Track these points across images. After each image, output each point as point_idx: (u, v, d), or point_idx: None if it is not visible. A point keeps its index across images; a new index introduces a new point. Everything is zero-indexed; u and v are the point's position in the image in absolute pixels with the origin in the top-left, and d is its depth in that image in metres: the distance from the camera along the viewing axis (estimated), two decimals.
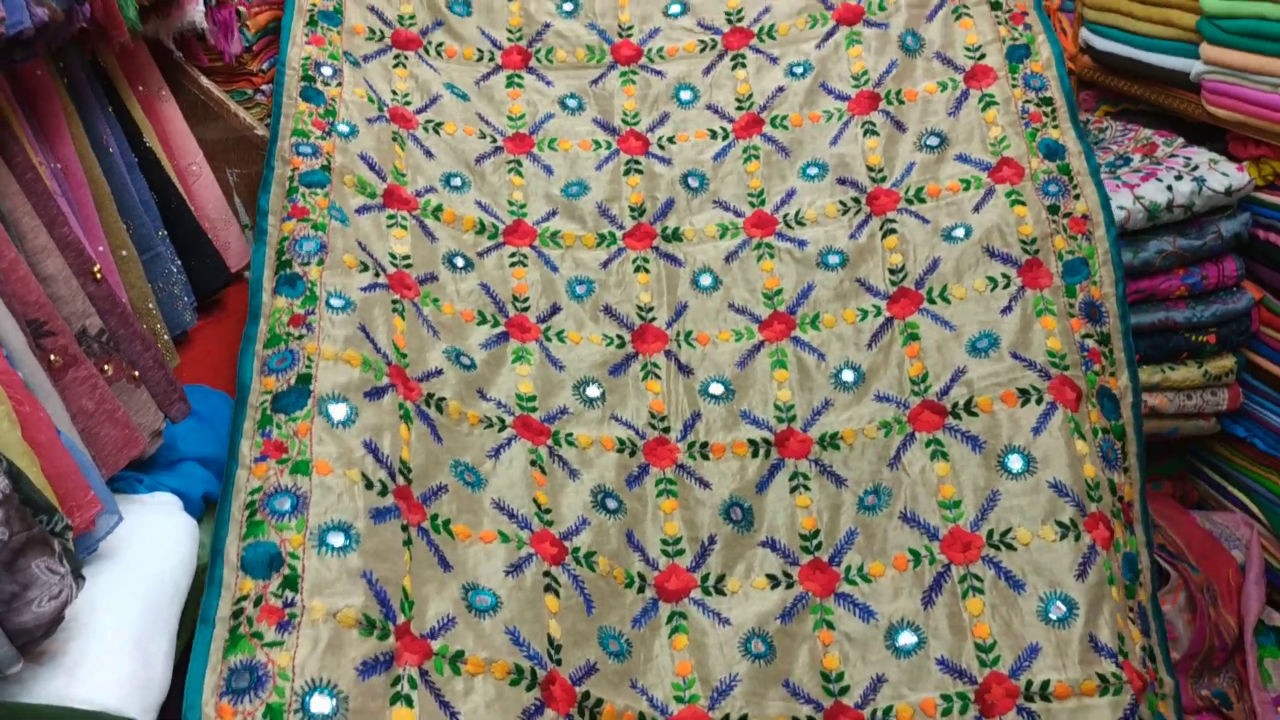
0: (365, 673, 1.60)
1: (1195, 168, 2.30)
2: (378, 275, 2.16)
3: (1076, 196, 2.25)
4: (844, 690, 1.91)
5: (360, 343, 2.00)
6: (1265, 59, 2.15)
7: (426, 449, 1.97)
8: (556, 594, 1.91)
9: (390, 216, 2.30)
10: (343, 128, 2.36)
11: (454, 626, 1.76)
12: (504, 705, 1.71)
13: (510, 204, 2.46)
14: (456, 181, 2.45)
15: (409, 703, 1.62)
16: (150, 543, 1.58)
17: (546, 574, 1.92)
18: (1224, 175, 2.26)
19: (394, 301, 2.14)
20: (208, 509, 1.84)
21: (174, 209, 2.19)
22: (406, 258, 2.24)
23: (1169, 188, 2.26)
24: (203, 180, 2.32)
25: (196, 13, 2.21)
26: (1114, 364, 2.13)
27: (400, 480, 1.88)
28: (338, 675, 1.57)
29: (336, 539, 1.71)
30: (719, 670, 1.93)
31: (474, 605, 1.82)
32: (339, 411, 1.88)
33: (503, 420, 2.11)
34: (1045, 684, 1.82)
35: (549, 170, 2.51)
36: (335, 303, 2.05)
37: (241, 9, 2.45)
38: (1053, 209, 2.24)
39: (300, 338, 1.98)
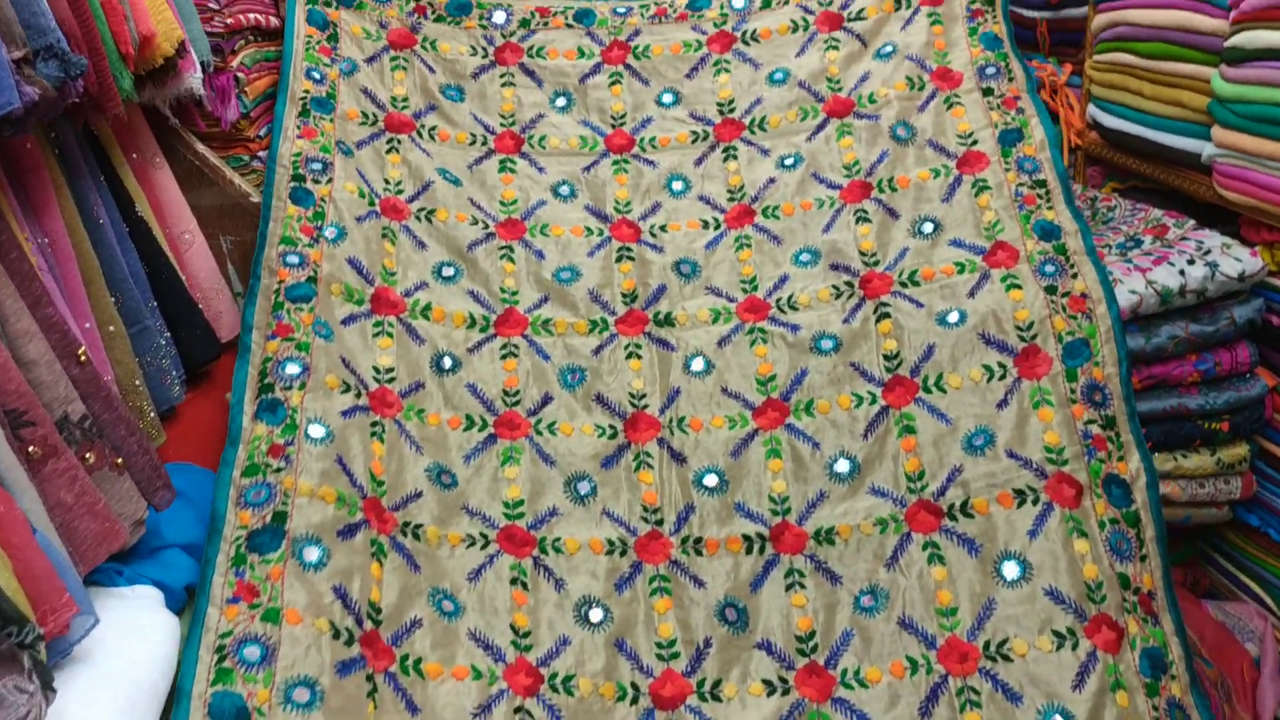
0: None
1: (1208, 251, 2.26)
2: (359, 396, 2.15)
3: (1074, 275, 2.23)
4: None
5: (336, 476, 2.00)
6: (1277, 144, 2.12)
7: (402, 582, 1.96)
8: None
9: (377, 324, 2.29)
10: (330, 231, 2.34)
11: None
12: None
13: (502, 290, 2.43)
14: (449, 271, 2.43)
15: None
16: (128, 644, 1.52)
17: (519, 709, 1.90)
18: (1237, 260, 2.22)
19: (374, 424, 2.13)
20: (190, 599, 1.78)
21: (165, 279, 2.14)
22: (390, 370, 2.24)
23: (1181, 272, 2.22)
24: (195, 249, 2.28)
25: (194, 80, 2.17)
26: (1121, 447, 2.07)
27: (368, 625, 1.87)
28: None
29: (302, 695, 1.72)
30: None
31: None
32: (311, 554, 1.88)
33: (486, 536, 2.09)
34: None
35: (540, 255, 2.49)
36: (315, 433, 2.03)
37: (240, 75, 2.42)
38: (1050, 289, 2.22)
39: (278, 470, 1.97)
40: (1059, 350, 2.15)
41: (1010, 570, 1.98)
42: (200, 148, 2.35)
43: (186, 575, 1.75)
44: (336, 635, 1.81)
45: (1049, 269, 2.24)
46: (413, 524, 2.05)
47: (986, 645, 1.94)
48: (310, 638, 1.78)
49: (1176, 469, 2.27)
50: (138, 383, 1.93)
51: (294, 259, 2.26)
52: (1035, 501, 2.03)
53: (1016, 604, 1.95)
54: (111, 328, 1.90)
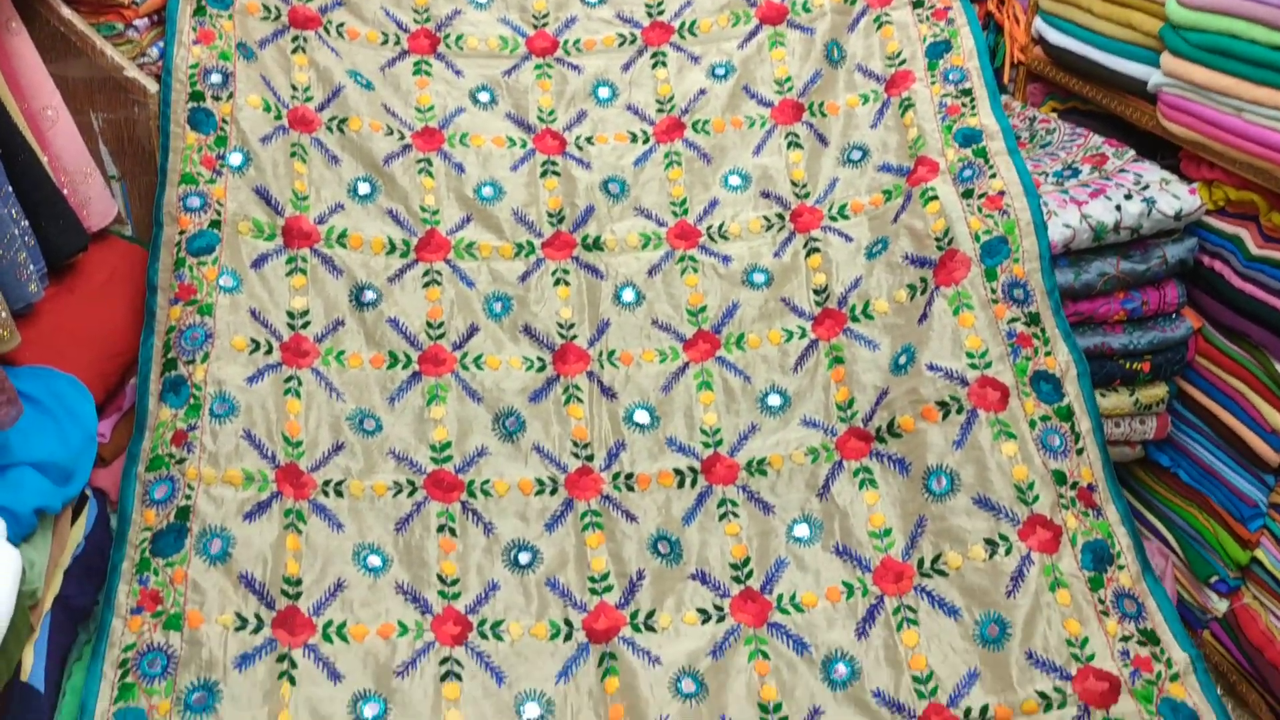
0: None
1: (1145, 187, 2.18)
2: (269, 352, 2.06)
3: (993, 175, 2.20)
4: None
5: (244, 454, 1.97)
6: (1230, 79, 2.02)
7: (324, 546, 1.94)
8: (458, 678, 1.84)
9: (290, 261, 2.16)
10: (235, 158, 2.17)
11: None
12: None
13: (422, 210, 2.29)
14: (365, 189, 2.28)
15: None
16: None
17: (445, 660, 1.85)
18: (1175, 198, 2.15)
19: (288, 379, 2.05)
20: (41, 525, 1.63)
21: (22, 161, 1.90)
22: (305, 314, 2.14)
23: (1118, 207, 2.14)
24: (59, 127, 2.04)
25: None
26: (1048, 342, 2.07)
27: (284, 602, 1.86)
28: None
29: (200, 699, 1.73)
30: (650, 712, 1.84)
31: (361, 717, 1.79)
32: (216, 547, 1.87)
33: (413, 483, 2.02)
34: (984, 709, 1.81)
35: (461, 169, 2.34)
36: (219, 409, 1.97)
37: None
38: (967, 193, 2.19)
39: (181, 461, 1.93)
40: (976, 251, 2.12)
41: (938, 484, 1.98)
42: (65, 12, 2.09)
43: (37, 498, 1.59)
44: (243, 626, 1.82)
45: (967, 174, 2.21)
46: (334, 481, 2.00)
47: (920, 563, 1.95)
48: (213, 635, 1.80)
49: None
50: None
51: (195, 201, 2.13)
52: (959, 411, 2.02)
53: (948, 517, 1.96)
54: None
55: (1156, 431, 2.30)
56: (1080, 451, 2.02)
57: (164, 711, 1.71)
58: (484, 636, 1.91)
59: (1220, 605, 2.27)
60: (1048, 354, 2.07)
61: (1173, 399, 2.31)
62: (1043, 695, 1.82)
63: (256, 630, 1.83)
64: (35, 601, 1.60)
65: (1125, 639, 1.86)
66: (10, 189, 1.85)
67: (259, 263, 2.15)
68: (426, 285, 2.23)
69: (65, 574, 1.73)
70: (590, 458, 2.11)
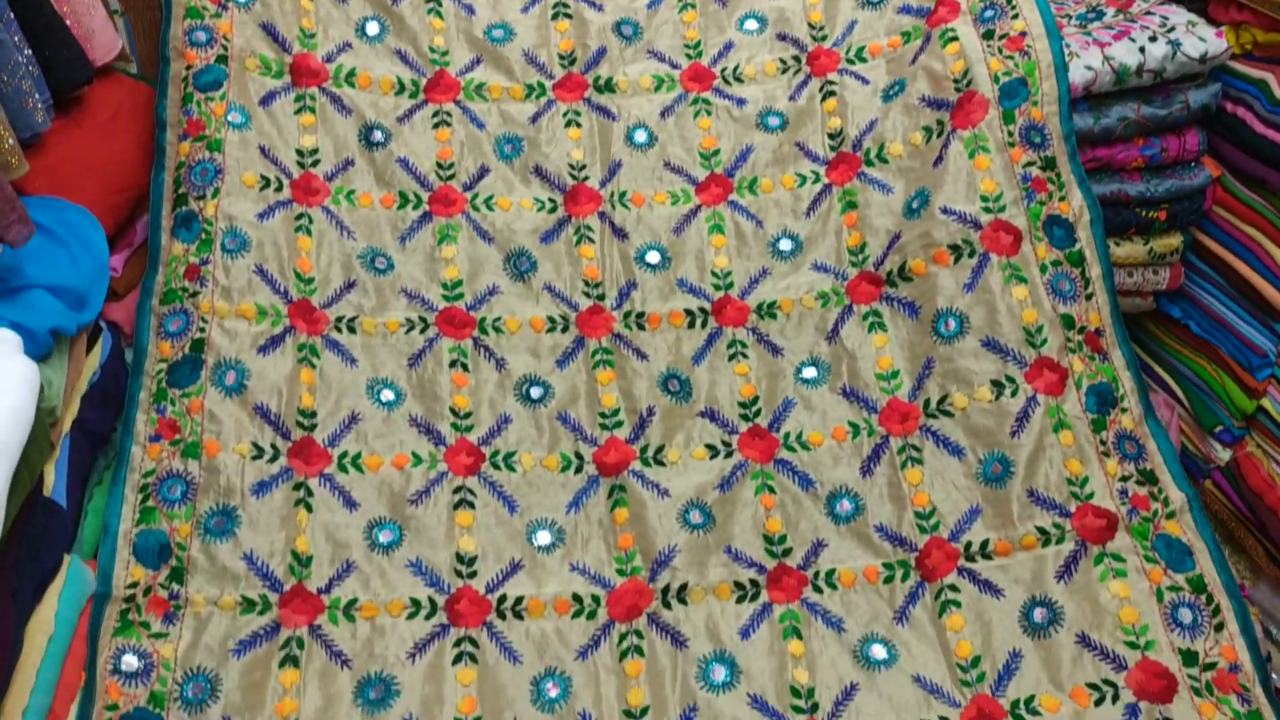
0: (243, 650, 1.69)
1: (1171, 29, 2.12)
2: (280, 189, 2.05)
3: (1014, 16, 2.14)
4: (787, 552, 1.90)
5: (257, 289, 1.98)
6: None
7: (338, 380, 1.96)
8: (471, 506, 1.88)
9: (298, 99, 2.13)
10: None
11: (351, 573, 1.80)
12: (399, 638, 1.75)
13: (432, 50, 2.25)
14: (373, 28, 2.24)
15: (295, 663, 1.70)
16: None
17: (459, 489, 1.89)
18: (1201, 40, 2.09)
19: (299, 216, 2.04)
20: (58, 347, 1.64)
21: None
22: (315, 151, 2.12)
23: (1141, 49, 2.09)
24: None
25: None
26: (1062, 187, 2.06)
27: (299, 433, 1.89)
28: (213, 660, 1.67)
29: (220, 523, 1.77)
30: (659, 542, 1.88)
31: (377, 541, 1.84)
32: (231, 379, 1.89)
33: (425, 320, 2.03)
34: (985, 543, 1.85)
35: (470, 10, 2.29)
36: (230, 244, 1.99)
37: None
38: (988, 35, 2.14)
39: (194, 295, 1.94)
40: (995, 93, 2.09)
41: (947, 327, 1.99)
42: None
43: (52, 318, 1.60)
44: (259, 455, 1.85)
45: (988, 14, 2.16)
46: (347, 318, 2.00)
47: (927, 404, 1.97)
48: (231, 464, 1.82)
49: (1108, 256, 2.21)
50: None
51: (201, 35, 2.08)
52: (971, 254, 2.01)
53: (955, 359, 1.97)
54: None
55: (1170, 282, 2.29)
56: (1089, 297, 2.01)
57: (184, 534, 1.76)
58: (496, 467, 1.94)
59: (1224, 455, 2.29)
60: (1062, 199, 2.05)
61: (1187, 249, 2.29)
62: (1042, 531, 1.85)
63: (273, 460, 1.86)
64: (55, 420, 1.62)
65: (1124, 479, 1.88)
66: (13, 15, 1.81)
67: (267, 100, 2.12)
68: (436, 126, 2.21)
69: (82, 400, 1.75)
70: (601, 297, 2.12)
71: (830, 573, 1.88)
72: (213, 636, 1.68)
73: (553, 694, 1.75)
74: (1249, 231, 2.17)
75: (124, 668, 1.61)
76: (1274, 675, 2.17)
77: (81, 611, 1.60)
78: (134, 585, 1.69)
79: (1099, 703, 1.73)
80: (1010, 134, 2.07)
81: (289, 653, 1.69)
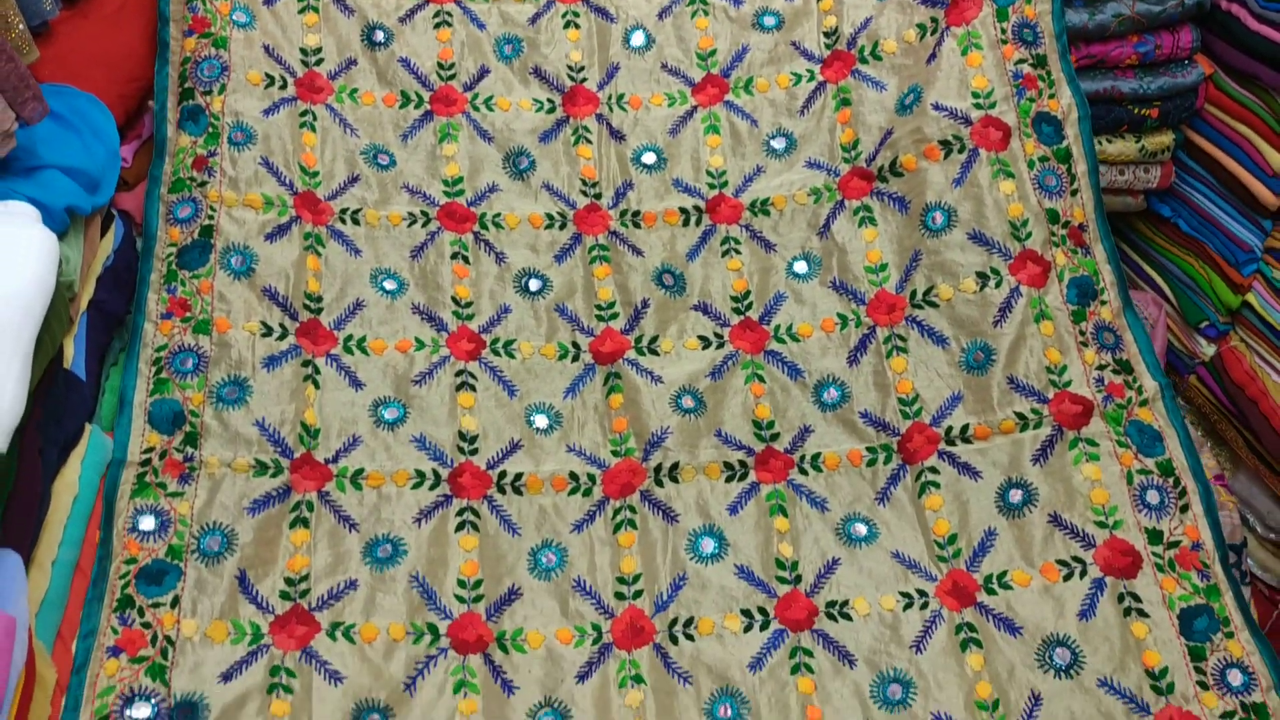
0: (257, 509, 1.77)
1: None
2: (284, 87, 2.10)
3: None
4: (774, 437, 1.97)
5: (263, 180, 2.04)
6: None
7: (343, 268, 2.02)
8: (472, 389, 1.95)
9: None
10: None
11: (358, 446, 1.87)
12: (404, 506, 1.84)
13: None
14: None
15: (305, 524, 1.78)
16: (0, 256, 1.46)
17: (460, 372, 1.96)
18: None
19: (303, 113, 2.10)
20: (74, 226, 1.71)
21: None
22: (318, 50, 2.17)
23: None
24: None
25: None
26: (1052, 85, 2.10)
27: (306, 315, 1.96)
28: (228, 517, 1.75)
29: (231, 393, 1.85)
30: (652, 425, 1.96)
31: (382, 418, 1.91)
32: (239, 263, 1.96)
33: (426, 214, 2.08)
34: (965, 428, 1.93)
35: None
36: (237, 137, 2.06)
37: None
38: None
39: (203, 184, 2.01)
40: None
41: (935, 220, 2.04)
42: None
43: (68, 197, 1.67)
44: (268, 333, 1.92)
45: None
46: (350, 210, 2.06)
47: (913, 295, 2.03)
48: (241, 340, 1.90)
49: (1100, 154, 2.25)
50: None
51: None
52: (961, 150, 2.06)
53: (942, 252, 2.03)
54: None
55: (1160, 181, 2.33)
56: (1075, 192, 2.06)
57: (197, 403, 1.84)
58: (496, 354, 2.01)
59: (1208, 350, 2.35)
60: (1051, 96, 2.08)
61: (1178, 147, 2.32)
62: (1020, 416, 1.92)
63: (281, 338, 1.93)
64: (73, 295, 1.70)
65: (1101, 368, 1.95)
66: None
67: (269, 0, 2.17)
68: (437, 26, 2.24)
69: (97, 281, 1.83)
70: (599, 196, 2.17)
71: (816, 456, 1.96)
72: (227, 495, 1.77)
73: (550, 563, 1.85)
74: (1240, 129, 2.20)
75: (141, 527, 1.70)
76: (1249, 559, 2.27)
77: (103, 477, 1.69)
78: (150, 450, 1.78)
79: (1067, 578, 1.81)
80: (1003, 31, 2.10)
81: (299, 515, 1.79)
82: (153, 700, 1.55)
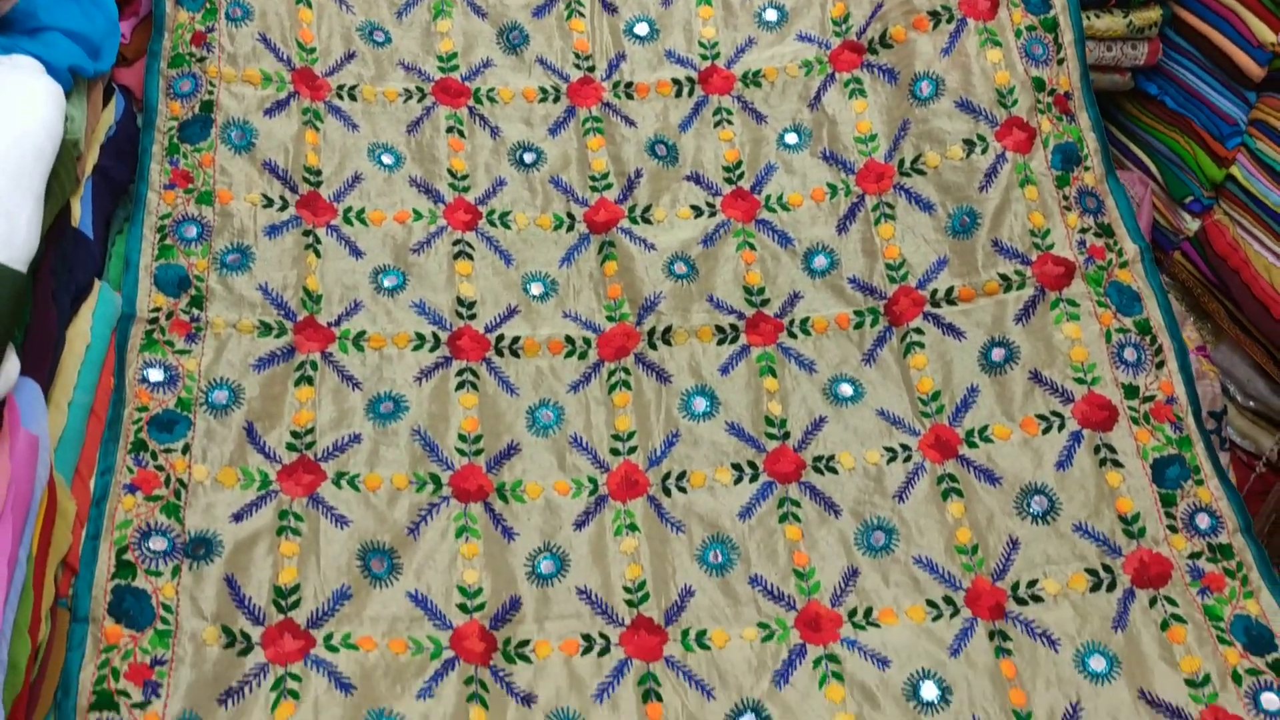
0: (262, 366, 1.83)
1: None
2: None
3: None
4: (764, 302, 2.03)
5: (261, 56, 2.08)
6: None
7: (341, 143, 2.06)
8: (469, 258, 2.00)
9: None
10: None
11: (359, 311, 1.93)
12: (405, 366, 1.89)
13: None
14: None
15: (310, 382, 1.84)
16: (7, 101, 1.49)
17: (457, 242, 2.01)
18: None
19: None
20: (77, 87, 1.74)
21: None
22: None
23: None
24: None
25: None
26: None
27: (305, 188, 2.00)
28: (234, 373, 1.81)
29: (235, 259, 1.91)
30: (645, 290, 2.02)
31: (382, 286, 1.96)
32: (239, 137, 2.00)
33: (421, 90, 2.11)
34: (950, 290, 1.98)
35: None
36: (234, 13, 2.09)
37: None
38: None
39: (202, 60, 2.05)
40: None
41: (924, 89, 2.08)
42: None
43: (70, 57, 1.69)
44: (269, 204, 1.96)
45: None
46: (348, 86, 2.09)
47: (901, 163, 2.07)
48: (243, 210, 1.95)
49: (1088, 29, 2.27)
50: None
51: None
52: (949, 20, 2.10)
53: (930, 120, 2.07)
54: None
55: (1147, 57, 2.35)
56: (1061, 61, 2.09)
57: (202, 268, 1.89)
58: (492, 224, 2.06)
59: (1192, 225, 2.39)
60: None
61: (1165, 24, 2.34)
62: (1004, 277, 1.98)
63: (282, 209, 1.98)
64: (79, 154, 1.74)
65: (1083, 231, 2.00)
66: None
67: None
68: None
69: (101, 148, 1.86)
70: (591, 69, 2.20)
71: (805, 320, 2.02)
72: (233, 354, 1.83)
73: (547, 421, 1.91)
74: (1226, 1, 2.22)
75: (151, 378, 1.76)
76: (1228, 427, 2.34)
77: (113, 329, 1.75)
78: (157, 310, 1.83)
79: (1046, 431, 1.88)
80: None
81: (304, 374, 1.85)
82: (169, 535, 1.63)
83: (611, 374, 1.96)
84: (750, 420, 1.93)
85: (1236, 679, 1.63)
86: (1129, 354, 1.92)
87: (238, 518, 1.68)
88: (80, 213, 1.75)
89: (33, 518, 1.31)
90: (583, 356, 1.98)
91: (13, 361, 1.34)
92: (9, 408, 1.34)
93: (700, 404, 1.94)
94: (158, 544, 1.61)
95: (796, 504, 1.85)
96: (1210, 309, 2.36)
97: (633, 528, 1.81)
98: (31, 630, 1.29)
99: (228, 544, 1.65)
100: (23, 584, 1.26)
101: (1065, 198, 2.01)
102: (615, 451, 1.89)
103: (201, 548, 1.64)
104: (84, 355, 1.62)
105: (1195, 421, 1.87)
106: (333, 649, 1.60)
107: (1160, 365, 1.91)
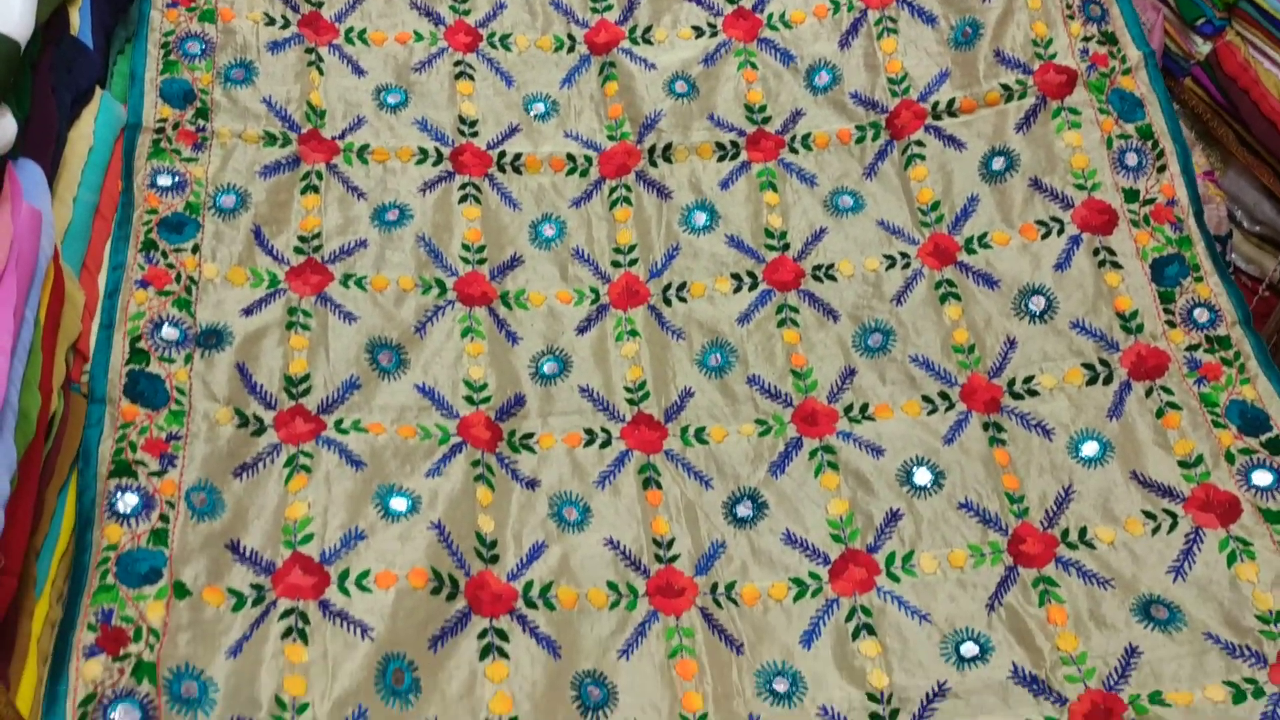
0: (268, 174, 1.86)
1: None
2: None
3: None
4: (766, 120, 2.03)
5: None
6: None
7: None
8: (470, 78, 2.04)
9: None
10: None
11: (362, 126, 1.95)
12: (409, 179, 1.93)
13: None
14: None
15: (315, 190, 1.87)
16: None
17: (459, 63, 2.04)
18: None
19: None
20: None
21: None
22: None
23: None
24: None
25: None
26: None
27: (306, 8, 2.03)
28: (241, 179, 1.84)
29: (239, 74, 1.93)
30: (645, 109, 2.02)
31: (385, 103, 1.99)
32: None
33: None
34: (951, 102, 1.99)
35: None
36: None
37: None
38: None
39: None
40: None
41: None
42: None
43: None
44: (271, 23, 1.98)
45: None
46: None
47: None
48: (246, 28, 1.98)
49: None
50: None
51: None
52: None
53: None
54: None
55: None
56: None
57: (206, 82, 1.92)
58: (493, 46, 2.06)
59: (1204, 49, 2.34)
60: None
61: None
62: (1005, 87, 1.97)
63: (285, 28, 2.00)
64: None
65: (1087, 39, 1.97)
66: None
67: None
68: None
69: None
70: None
71: (806, 136, 2.02)
72: (239, 161, 1.86)
73: (549, 234, 1.94)
74: None
75: (159, 183, 1.80)
76: (1233, 253, 2.33)
77: (117, 136, 1.77)
78: (163, 120, 1.86)
79: (1045, 236, 1.88)
80: None
81: (309, 183, 1.88)
82: (180, 326, 1.67)
83: (613, 190, 1.97)
84: (750, 233, 1.95)
85: (1229, 458, 1.65)
86: (1130, 159, 1.91)
87: (247, 312, 1.72)
88: (79, 22, 1.77)
89: (38, 286, 1.35)
90: (584, 174, 1.99)
91: (9, 120, 1.36)
92: (10, 181, 1.38)
93: (700, 218, 1.96)
94: (170, 334, 1.65)
95: (795, 310, 1.87)
96: (1220, 135, 2.33)
97: (633, 333, 1.84)
98: (43, 388, 1.33)
99: (238, 335, 1.69)
100: (30, 343, 1.30)
101: (1069, 6, 1.99)
102: (616, 264, 1.92)
103: (213, 338, 1.68)
104: (86, 157, 1.65)
105: (1196, 221, 1.86)
106: (343, 431, 1.65)
107: (1162, 169, 1.90)
